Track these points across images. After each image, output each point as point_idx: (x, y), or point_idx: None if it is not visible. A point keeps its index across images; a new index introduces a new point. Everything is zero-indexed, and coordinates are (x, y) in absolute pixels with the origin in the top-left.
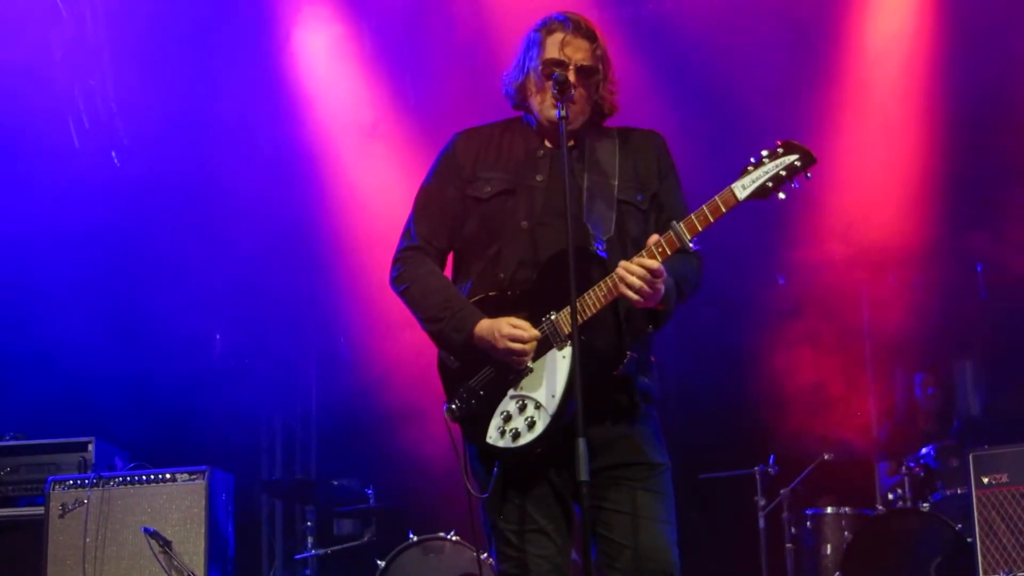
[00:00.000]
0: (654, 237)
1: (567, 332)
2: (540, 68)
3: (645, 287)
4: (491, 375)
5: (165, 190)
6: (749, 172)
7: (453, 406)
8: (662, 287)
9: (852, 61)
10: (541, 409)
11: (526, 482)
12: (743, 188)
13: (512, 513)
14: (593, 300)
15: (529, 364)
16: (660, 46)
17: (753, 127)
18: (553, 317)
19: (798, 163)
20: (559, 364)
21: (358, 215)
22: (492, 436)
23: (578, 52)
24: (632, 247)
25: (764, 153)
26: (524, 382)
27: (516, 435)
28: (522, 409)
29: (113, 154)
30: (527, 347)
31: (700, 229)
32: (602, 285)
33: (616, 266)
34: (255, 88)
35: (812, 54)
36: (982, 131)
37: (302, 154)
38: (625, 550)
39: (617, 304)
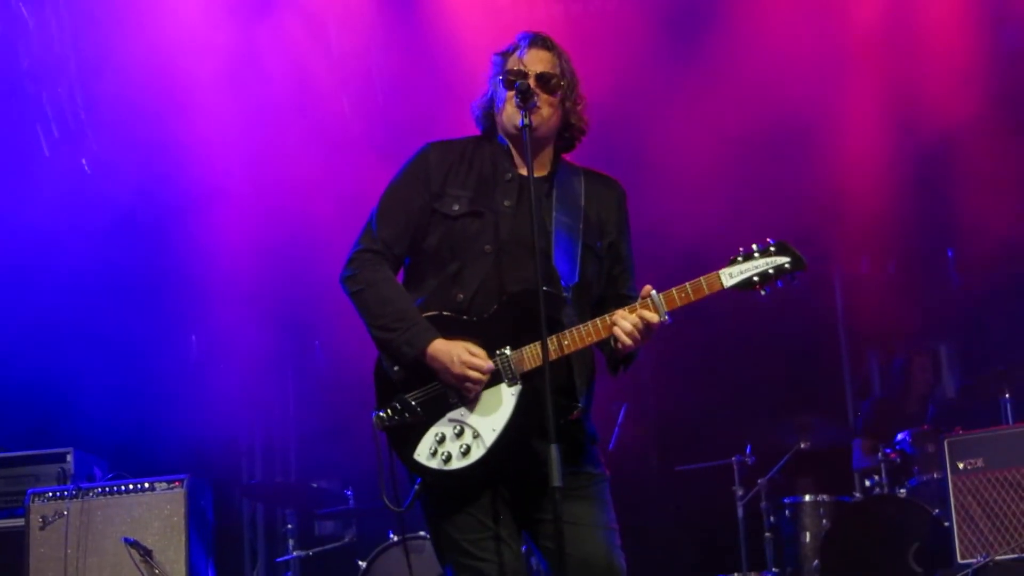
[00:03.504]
0: (648, 288)
1: (522, 371)
2: (502, 81)
3: (638, 335)
4: (432, 394)
5: (137, 196)
6: (738, 262)
7: (383, 414)
8: (647, 341)
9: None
10: (479, 439)
11: (475, 493)
12: (730, 276)
13: (467, 523)
14: (570, 340)
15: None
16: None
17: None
18: (508, 353)
19: (787, 266)
20: (506, 400)
21: (332, 217)
22: (421, 454)
23: (537, 63)
24: (587, 293)
25: (755, 247)
26: (466, 409)
27: (448, 458)
28: (459, 435)
29: (83, 161)
30: (482, 376)
31: (679, 304)
32: (589, 326)
33: (576, 311)
34: (225, 92)
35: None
36: (954, 118)
37: (275, 157)
38: (571, 557)
39: (572, 353)
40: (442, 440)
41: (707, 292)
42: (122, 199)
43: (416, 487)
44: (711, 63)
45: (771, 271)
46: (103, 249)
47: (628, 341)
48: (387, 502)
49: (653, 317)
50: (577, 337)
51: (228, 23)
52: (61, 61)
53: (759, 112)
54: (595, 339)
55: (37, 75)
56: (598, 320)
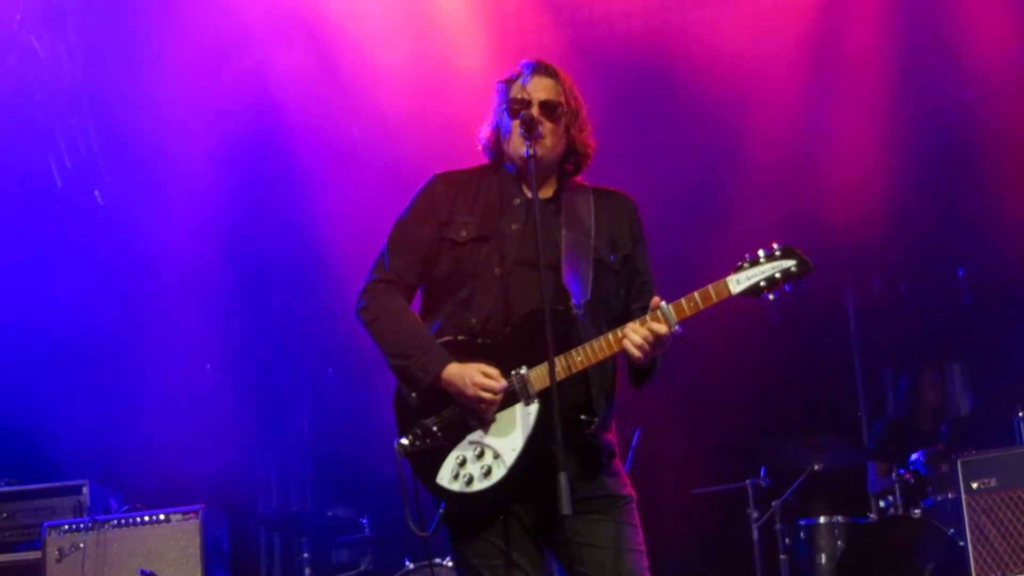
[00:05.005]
0: (656, 300)
1: (538, 389)
2: (506, 110)
3: (648, 348)
4: (451, 418)
5: (151, 226)
6: (744, 268)
7: (404, 441)
8: (660, 352)
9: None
10: (499, 459)
11: (495, 519)
12: (737, 283)
13: (486, 549)
14: (583, 356)
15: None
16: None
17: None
18: (524, 372)
19: (794, 269)
20: (524, 419)
21: (343, 245)
22: (444, 478)
23: (541, 90)
24: (604, 308)
25: (761, 253)
26: (485, 430)
27: (469, 480)
28: (480, 456)
29: (96, 193)
30: (496, 397)
31: (688, 314)
32: (601, 341)
33: (590, 327)
34: (236, 119)
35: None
36: (961, 138)
37: (289, 187)
38: None
39: (587, 369)
40: (463, 463)
41: (715, 300)
42: (135, 229)
43: (440, 511)
44: (720, 86)
45: (778, 275)
46: (117, 279)
47: (638, 354)
48: (413, 527)
49: (661, 328)
50: (590, 352)
51: (238, 51)
52: (73, 93)
53: (768, 134)
54: (607, 354)
55: (49, 107)
56: (609, 335)
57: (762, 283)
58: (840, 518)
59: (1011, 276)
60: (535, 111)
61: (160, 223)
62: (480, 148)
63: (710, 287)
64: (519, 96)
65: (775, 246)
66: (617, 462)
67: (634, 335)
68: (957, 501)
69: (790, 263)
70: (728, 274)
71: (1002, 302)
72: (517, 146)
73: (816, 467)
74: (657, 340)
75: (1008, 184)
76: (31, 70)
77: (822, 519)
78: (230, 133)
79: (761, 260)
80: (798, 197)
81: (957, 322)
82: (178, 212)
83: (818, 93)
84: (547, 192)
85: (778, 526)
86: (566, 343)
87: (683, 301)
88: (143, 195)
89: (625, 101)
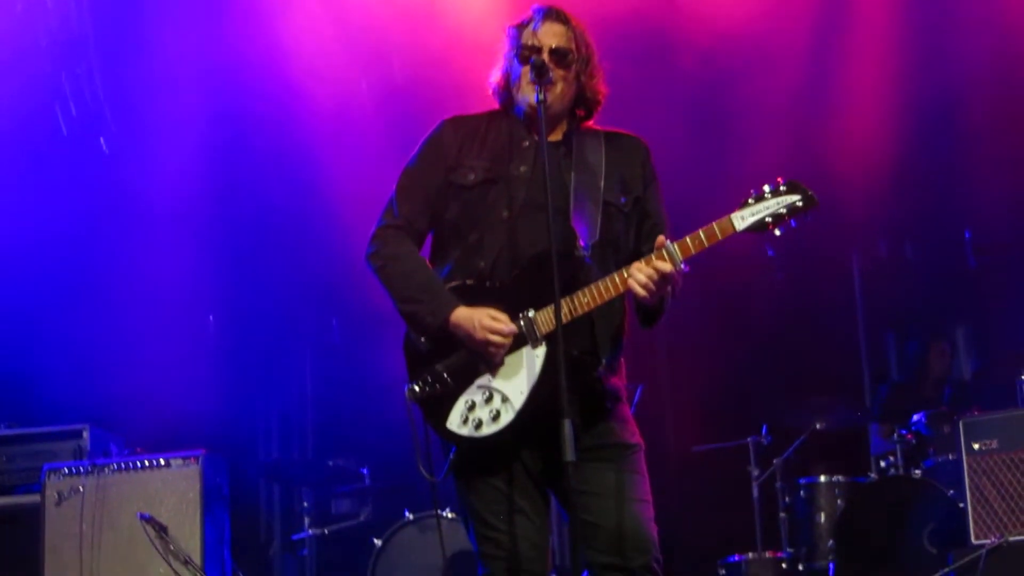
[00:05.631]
0: (661, 239)
1: (545, 331)
2: (516, 56)
3: (653, 287)
4: (460, 362)
5: (155, 175)
6: (749, 204)
7: (415, 387)
8: (669, 289)
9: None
10: (508, 403)
11: (501, 464)
12: (742, 219)
13: (490, 494)
14: (590, 298)
15: (502, 357)
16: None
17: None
18: (532, 315)
19: (799, 204)
20: (532, 361)
21: (351, 198)
22: (453, 422)
23: (551, 37)
24: (613, 250)
25: (766, 188)
26: (494, 374)
27: (479, 424)
28: (488, 400)
29: (102, 140)
30: (505, 340)
31: (693, 252)
32: (607, 281)
33: (600, 270)
34: (244, 70)
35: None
36: (968, 99)
37: (295, 137)
38: (603, 530)
39: (593, 311)
40: (472, 407)
41: (720, 237)
42: (140, 177)
43: (451, 457)
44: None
45: (783, 210)
46: (122, 227)
47: (643, 292)
48: (424, 472)
49: (666, 267)
50: (596, 294)
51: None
52: (80, 41)
53: (773, 95)
54: (613, 294)
55: (56, 55)
56: (615, 275)
57: (768, 219)
58: (840, 477)
59: (1018, 239)
60: (545, 57)
61: (165, 172)
62: (490, 93)
63: (714, 224)
64: (530, 42)
65: (780, 181)
66: (624, 408)
67: (639, 274)
68: (958, 462)
69: (795, 197)
70: (733, 211)
71: (1008, 265)
72: (527, 92)
73: (818, 426)
74: (662, 278)
75: (1016, 146)
76: (38, 17)
77: (822, 478)
78: (237, 82)
79: (766, 195)
80: (803, 158)
81: (962, 285)
82: (183, 162)
83: (824, 54)
84: (557, 136)
85: (778, 484)
86: (573, 285)
87: (688, 239)
88: (149, 144)
89: (632, 48)
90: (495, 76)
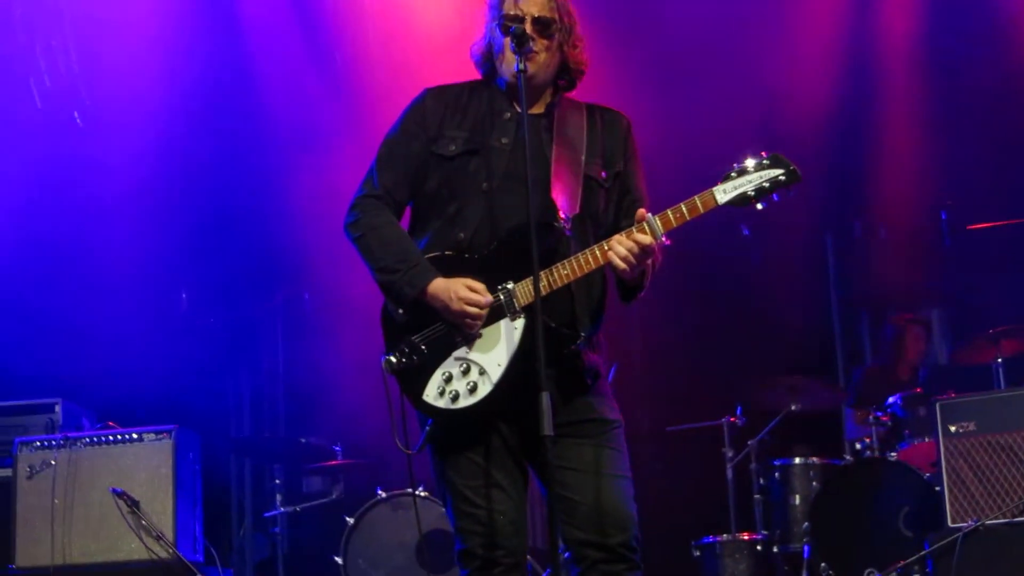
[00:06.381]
0: (642, 212)
1: (523, 304)
2: (498, 27)
3: (633, 259)
4: (437, 334)
5: (128, 149)
6: (732, 178)
7: (392, 358)
8: (649, 263)
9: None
10: (484, 375)
11: (479, 438)
12: (724, 192)
13: (467, 468)
14: (569, 270)
15: (479, 329)
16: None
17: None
18: (511, 287)
19: (782, 178)
20: (510, 334)
21: (321, 170)
22: (430, 395)
23: (534, 6)
24: (592, 224)
25: (749, 162)
26: (471, 346)
27: (455, 397)
28: (465, 372)
29: (76, 114)
30: (481, 312)
31: (675, 225)
32: (587, 253)
33: (579, 243)
34: (216, 47)
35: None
36: (945, 79)
37: (263, 110)
38: (581, 506)
39: (572, 284)
40: (449, 379)
41: (702, 210)
42: (114, 154)
43: (427, 429)
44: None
45: (766, 184)
46: (94, 201)
47: (623, 266)
48: (400, 445)
49: (646, 239)
50: (575, 266)
51: None
52: (55, 12)
53: (751, 77)
54: (593, 267)
55: (30, 26)
56: (596, 247)
57: (751, 192)
58: (815, 459)
59: (994, 220)
60: (528, 27)
61: (138, 147)
62: (473, 62)
63: (696, 197)
64: (511, 12)
65: (763, 154)
66: (604, 384)
67: (619, 247)
68: (935, 444)
69: (779, 171)
70: (715, 184)
71: (984, 246)
72: (510, 63)
73: (793, 407)
74: (643, 251)
75: (993, 125)
76: None
77: (797, 460)
78: (209, 57)
79: (749, 169)
80: (777, 136)
81: (938, 266)
82: (157, 136)
83: (802, 29)
84: (539, 108)
85: (753, 466)
86: (552, 258)
87: (669, 212)
88: (122, 118)
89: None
90: (476, 46)
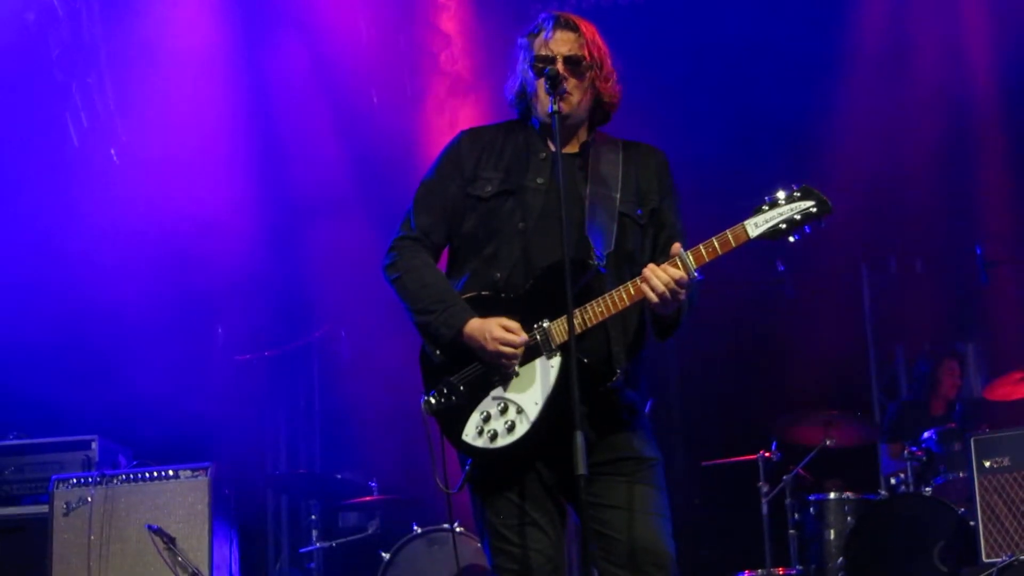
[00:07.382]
0: (676, 247)
1: (559, 342)
2: (531, 68)
3: (667, 294)
4: (475, 374)
5: (165, 184)
6: (763, 211)
7: (431, 399)
8: (683, 297)
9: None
10: (523, 414)
11: (516, 477)
12: (755, 226)
13: (505, 507)
14: (604, 307)
15: (516, 368)
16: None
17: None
18: (546, 325)
19: (813, 210)
20: (546, 372)
21: (359, 208)
22: (469, 434)
23: (563, 45)
24: (628, 262)
25: (780, 195)
26: (508, 385)
27: (494, 436)
28: (503, 411)
29: (112, 151)
30: (516, 351)
31: (707, 260)
32: (621, 290)
33: (614, 281)
34: (250, 77)
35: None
36: (981, 113)
37: (301, 143)
38: (619, 544)
39: (608, 321)
40: (487, 419)
41: (734, 245)
42: (151, 189)
43: (467, 470)
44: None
45: (798, 216)
46: (130, 238)
47: (656, 299)
48: (440, 484)
49: (677, 273)
50: (610, 303)
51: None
52: (91, 50)
53: (787, 111)
54: (627, 303)
55: (67, 64)
56: (629, 283)
57: (782, 225)
58: (850, 494)
59: None
60: (560, 67)
61: (175, 183)
62: (507, 103)
63: (728, 232)
64: (542, 52)
65: (794, 187)
66: (643, 419)
67: (651, 281)
68: (969, 480)
69: (809, 203)
70: (746, 217)
71: (1019, 281)
72: (544, 104)
73: (828, 443)
74: (676, 285)
75: None
76: (50, 26)
77: (832, 495)
78: (248, 93)
79: (780, 201)
80: (813, 173)
81: (973, 301)
82: (193, 173)
83: (837, 69)
84: (574, 147)
85: (788, 501)
86: (588, 296)
87: (701, 247)
88: (159, 155)
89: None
90: (509, 86)
